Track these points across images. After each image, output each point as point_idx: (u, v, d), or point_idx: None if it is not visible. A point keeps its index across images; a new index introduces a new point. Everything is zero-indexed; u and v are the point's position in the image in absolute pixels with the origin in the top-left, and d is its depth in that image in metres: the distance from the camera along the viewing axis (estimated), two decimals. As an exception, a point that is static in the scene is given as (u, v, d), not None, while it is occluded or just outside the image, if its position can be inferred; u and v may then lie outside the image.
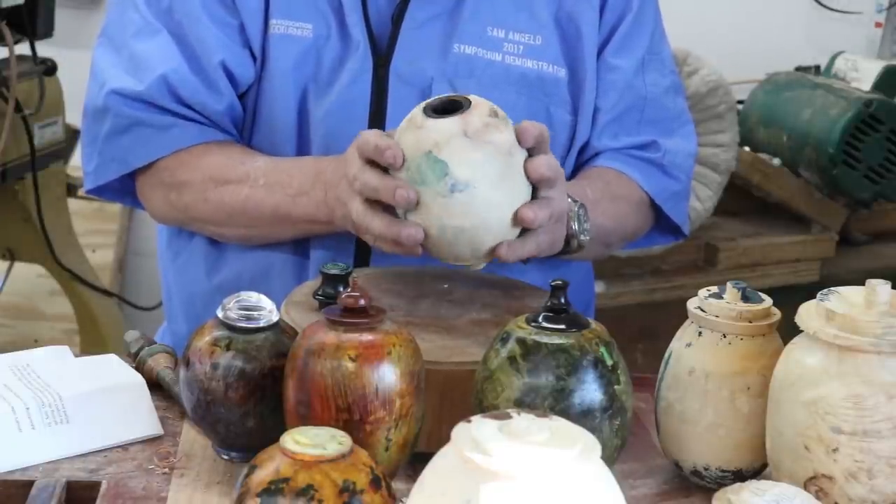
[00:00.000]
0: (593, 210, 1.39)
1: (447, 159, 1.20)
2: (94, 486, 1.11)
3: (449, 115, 1.22)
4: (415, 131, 1.22)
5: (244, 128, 1.50)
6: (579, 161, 1.56)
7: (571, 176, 1.54)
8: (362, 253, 1.47)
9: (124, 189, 1.53)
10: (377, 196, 1.23)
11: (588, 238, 1.36)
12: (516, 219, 1.22)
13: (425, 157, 1.21)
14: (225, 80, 1.46)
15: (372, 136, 1.24)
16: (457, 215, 1.21)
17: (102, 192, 1.54)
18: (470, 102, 1.23)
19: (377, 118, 1.46)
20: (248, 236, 1.49)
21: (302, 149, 1.47)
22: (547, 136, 1.25)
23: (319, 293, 1.26)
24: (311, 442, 0.91)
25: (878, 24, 3.39)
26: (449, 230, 1.22)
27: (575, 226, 1.34)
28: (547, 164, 1.24)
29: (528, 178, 1.23)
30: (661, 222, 1.62)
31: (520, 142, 1.23)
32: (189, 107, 1.46)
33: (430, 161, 1.21)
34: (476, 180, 1.20)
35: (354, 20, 1.46)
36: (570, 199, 1.33)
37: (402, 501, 0.99)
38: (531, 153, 1.24)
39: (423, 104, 1.25)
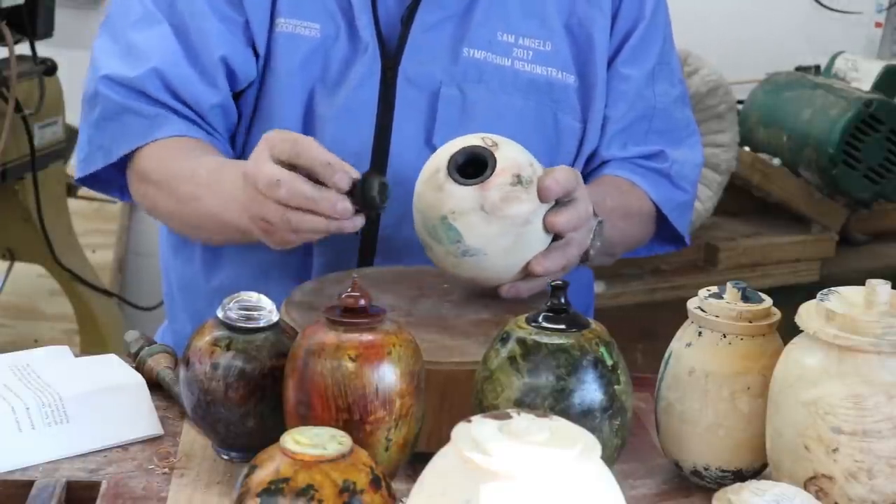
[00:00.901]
0: (606, 222, 1.39)
1: (461, 229, 1.23)
2: (94, 486, 1.11)
3: (469, 181, 1.23)
4: (434, 189, 1.24)
5: (241, 125, 1.48)
6: (587, 169, 1.55)
7: None
8: (366, 255, 1.47)
9: (112, 181, 1.52)
10: (312, 206, 1.20)
11: (595, 252, 1.36)
12: (527, 269, 1.27)
13: (441, 220, 1.24)
14: (223, 76, 1.45)
15: (316, 149, 1.21)
16: (466, 271, 1.27)
17: (92, 183, 1.52)
18: (495, 162, 1.23)
19: (385, 121, 1.45)
20: (197, 235, 1.48)
21: None
22: (575, 186, 1.27)
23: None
24: (311, 442, 0.91)
25: (878, 24, 3.39)
26: (460, 278, 1.29)
27: (587, 240, 1.34)
28: (566, 220, 1.26)
29: (546, 229, 1.26)
30: (663, 231, 1.62)
31: (542, 199, 1.24)
32: (180, 100, 1.44)
33: (444, 225, 1.24)
34: (488, 249, 1.25)
35: (364, 21, 1.45)
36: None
37: (402, 501, 0.99)
38: (558, 201, 1.26)
39: (450, 154, 1.25)
